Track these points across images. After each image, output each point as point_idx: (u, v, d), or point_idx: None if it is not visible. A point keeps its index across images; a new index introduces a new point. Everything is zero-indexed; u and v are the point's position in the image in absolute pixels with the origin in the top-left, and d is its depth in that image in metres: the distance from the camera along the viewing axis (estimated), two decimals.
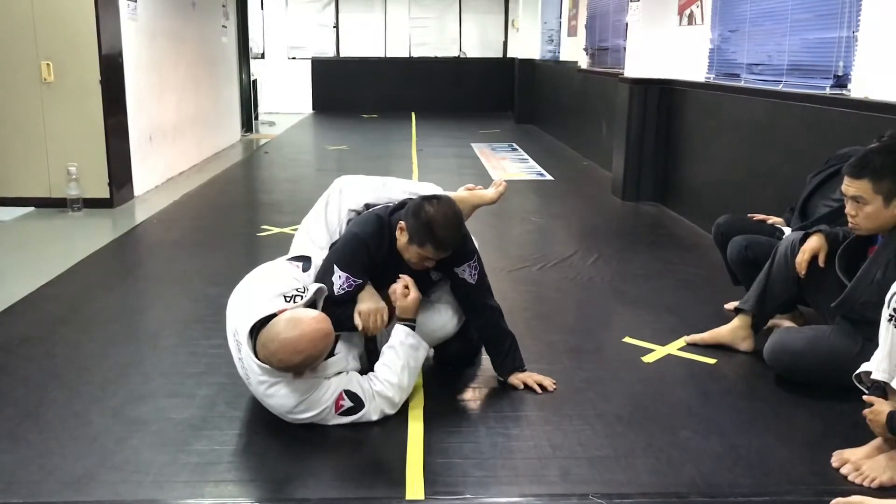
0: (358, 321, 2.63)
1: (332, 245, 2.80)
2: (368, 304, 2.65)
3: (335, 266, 2.65)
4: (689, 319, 3.59)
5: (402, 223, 2.63)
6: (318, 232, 2.90)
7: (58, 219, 5.71)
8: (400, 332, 2.69)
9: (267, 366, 2.40)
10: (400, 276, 2.71)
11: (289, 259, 2.77)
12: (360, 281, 2.66)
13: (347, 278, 2.64)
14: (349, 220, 2.86)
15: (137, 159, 6.48)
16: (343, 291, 2.64)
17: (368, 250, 2.67)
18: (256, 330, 2.42)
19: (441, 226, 2.56)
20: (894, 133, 2.99)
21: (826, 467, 2.35)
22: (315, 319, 2.37)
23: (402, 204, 2.74)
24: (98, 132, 5.86)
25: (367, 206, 2.88)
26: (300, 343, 2.31)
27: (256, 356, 2.41)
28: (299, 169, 8.49)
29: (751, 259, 3.30)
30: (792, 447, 2.48)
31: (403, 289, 2.68)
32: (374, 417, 2.58)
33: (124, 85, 6.19)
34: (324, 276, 2.68)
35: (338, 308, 2.63)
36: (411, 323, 2.72)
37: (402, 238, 2.64)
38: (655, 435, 2.55)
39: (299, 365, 2.36)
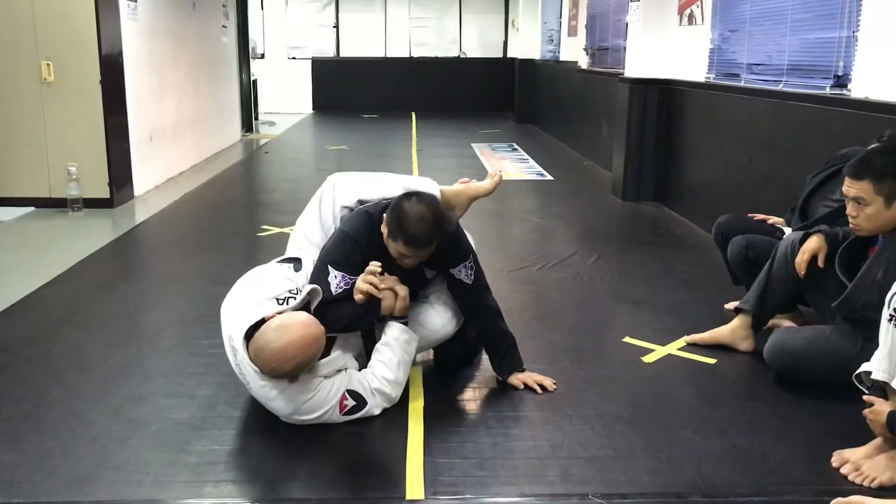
0: (359, 297, 2.58)
1: (325, 243, 2.78)
2: (364, 281, 2.58)
3: (329, 266, 2.64)
4: (689, 319, 3.59)
5: (385, 216, 2.63)
6: (312, 230, 2.89)
7: (58, 219, 5.71)
8: (395, 328, 2.69)
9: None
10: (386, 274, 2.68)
11: (279, 261, 2.76)
12: (356, 278, 2.64)
13: (343, 277, 2.63)
14: (342, 217, 2.84)
15: (137, 159, 6.47)
16: (340, 290, 2.63)
17: (360, 248, 2.66)
18: (251, 334, 2.42)
19: (412, 222, 2.52)
20: (894, 133, 2.99)
21: (826, 467, 2.35)
22: (303, 325, 2.35)
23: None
24: (98, 132, 5.86)
25: (361, 203, 2.85)
26: (289, 350, 2.31)
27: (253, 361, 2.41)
28: (299, 169, 8.49)
29: (751, 259, 3.30)
30: (792, 447, 2.48)
31: (394, 291, 2.67)
32: (377, 412, 2.61)
33: (124, 85, 6.19)
34: (318, 277, 2.65)
35: (334, 305, 2.61)
36: (403, 319, 2.72)
37: (384, 232, 2.63)
38: (655, 435, 2.55)
39: (292, 371, 2.36)
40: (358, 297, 2.60)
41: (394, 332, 2.69)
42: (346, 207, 2.86)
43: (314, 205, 2.92)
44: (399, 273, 2.70)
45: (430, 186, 2.92)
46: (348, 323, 2.66)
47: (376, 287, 2.58)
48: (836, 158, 3.28)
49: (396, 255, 2.63)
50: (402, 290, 2.66)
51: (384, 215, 2.65)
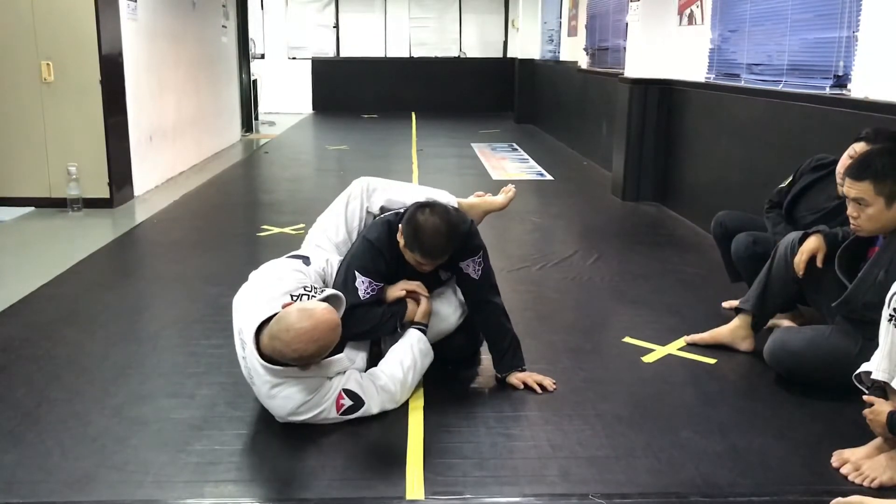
0: (400, 293, 2.79)
1: (349, 251, 2.86)
2: (402, 284, 2.80)
3: (356, 272, 2.72)
4: (689, 319, 3.59)
5: (400, 227, 2.70)
6: (335, 228, 2.99)
7: (58, 219, 5.71)
8: (414, 335, 2.77)
9: (270, 365, 2.40)
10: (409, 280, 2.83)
11: (290, 256, 2.80)
12: (381, 285, 2.76)
13: (370, 283, 2.72)
14: (364, 220, 2.96)
15: (137, 159, 6.48)
16: (368, 296, 2.72)
17: (384, 257, 2.75)
18: (261, 330, 2.42)
19: (428, 234, 2.62)
20: (871, 131, 3.01)
21: (826, 467, 2.35)
22: (327, 310, 2.38)
23: None
24: (98, 132, 5.87)
25: (382, 209, 2.96)
26: (315, 332, 2.32)
27: (261, 356, 2.40)
28: (299, 169, 8.49)
29: (759, 254, 3.30)
30: (792, 447, 2.48)
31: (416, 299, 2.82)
32: (375, 411, 2.61)
33: (124, 85, 6.20)
34: (345, 282, 2.73)
35: (361, 309, 2.71)
36: (423, 327, 2.80)
37: (400, 241, 2.71)
38: (655, 435, 2.55)
39: (314, 355, 2.36)
40: (396, 294, 2.76)
41: (413, 338, 2.77)
42: (370, 213, 2.98)
43: (340, 204, 3.01)
44: (417, 276, 2.82)
45: (447, 199, 3.04)
46: (373, 326, 2.76)
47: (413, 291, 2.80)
48: (822, 166, 3.32)
49: (413, 262, 2.72)
50: (424, 299, 2.82)
51: (400, 225, 2.72)
